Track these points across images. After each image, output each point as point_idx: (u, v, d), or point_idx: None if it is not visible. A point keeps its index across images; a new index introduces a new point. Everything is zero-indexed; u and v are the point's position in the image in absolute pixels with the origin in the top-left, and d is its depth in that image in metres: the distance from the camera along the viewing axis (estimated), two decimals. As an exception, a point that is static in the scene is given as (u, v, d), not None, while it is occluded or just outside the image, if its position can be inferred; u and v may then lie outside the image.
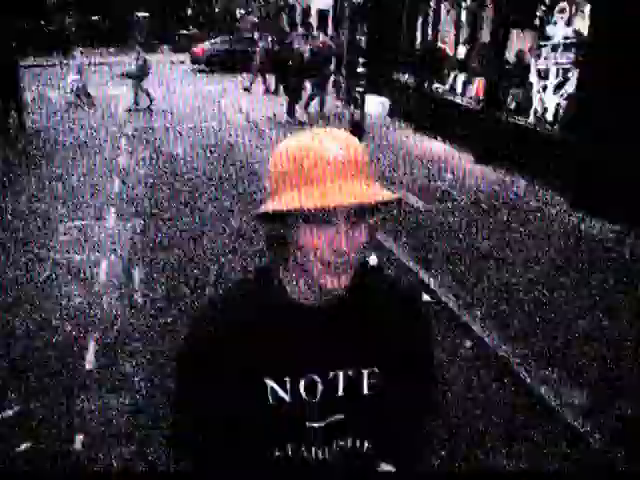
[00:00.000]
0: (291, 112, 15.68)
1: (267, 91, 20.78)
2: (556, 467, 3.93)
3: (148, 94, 17.48)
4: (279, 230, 1.37)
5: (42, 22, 37.51)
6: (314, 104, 16.07)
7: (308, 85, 16.15)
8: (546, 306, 5.79)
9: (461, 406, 4.46)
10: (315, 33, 21.65)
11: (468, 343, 5.34)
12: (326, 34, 21.25)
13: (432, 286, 6.25)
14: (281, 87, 17.49)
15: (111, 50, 36.85)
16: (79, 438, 4.10)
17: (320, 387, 1.46)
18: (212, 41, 30.84)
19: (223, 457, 1.59)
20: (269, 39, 21.81)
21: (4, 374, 4.81)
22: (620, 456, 3.90)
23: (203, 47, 29.95)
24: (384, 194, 1.27)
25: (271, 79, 20.51)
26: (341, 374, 1.46)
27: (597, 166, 8.04)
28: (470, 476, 4.00)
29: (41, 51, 31.88)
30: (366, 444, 1.52)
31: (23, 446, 4.01)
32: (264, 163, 11.08)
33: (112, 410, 4.38)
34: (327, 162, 1.25)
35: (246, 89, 21.08)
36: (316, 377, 1.45)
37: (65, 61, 15.92)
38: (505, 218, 8.18)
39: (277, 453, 1.47)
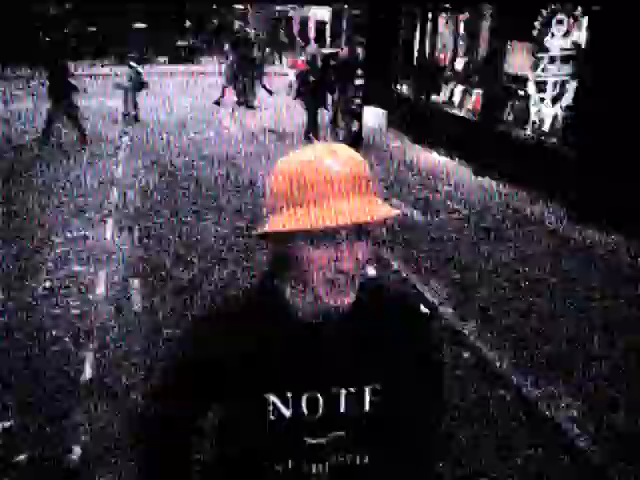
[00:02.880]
0: (309, 130, 14.48)
1: (240, 103, 20.47)
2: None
3: (136, 106, 17.42)
4: (281, 248, 1.36)
5: (41, 33, 37.54)
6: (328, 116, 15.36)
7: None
8: (547, 318, 5.78)
9: (459, 417, 4.44)
10: (312, 48, 21.57)
11: (466, 355, 5.33)
12: (324, 46, 21.17)
13: (431, 298, 6.24)
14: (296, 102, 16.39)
15: (109, 61, 36.87)
16: (76, 450, 4.08)
17: (322, 403, 1.45)
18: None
19: (221, 469, 1.59)
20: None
21: (2, 386, 4.79)
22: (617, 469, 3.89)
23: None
24: (385, 211, 1.27)
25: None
26: (343, 391, 1.45)
27: (596, 177, 8.05)
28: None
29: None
30: (366, 460, 1.51)
31: (19, 457, 3.99)
32: (264, 175, 11.11)
33: (109, 422, 4.36)
34: (327, 180, 1.24)
35: (216, 102, 20.85)
36: (318, 393, 1.44)
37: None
38: (504, 230, 8.18)
39: (277, 467, 1.47)
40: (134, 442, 1.68)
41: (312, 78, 14.55)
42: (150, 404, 1.65)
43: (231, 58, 20.89)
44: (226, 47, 21.75)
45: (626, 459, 3.99)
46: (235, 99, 20.34)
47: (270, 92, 21.57)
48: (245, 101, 20.44)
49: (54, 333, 5.57)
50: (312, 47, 21.47)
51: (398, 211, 1.29)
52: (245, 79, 20.61)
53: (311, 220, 1.22)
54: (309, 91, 14.50)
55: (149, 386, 4.44)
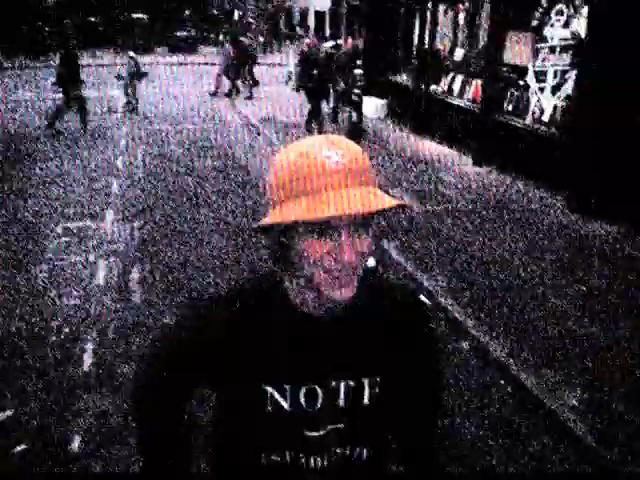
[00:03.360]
0: (311, 122, 14.15)
1: (214, 94, 20.45)
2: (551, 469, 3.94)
3: (135, 97, 17.40)
4: (282, 241, 1.34)
5: (40, 23, 37.42)
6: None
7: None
8: (544, 307, 5.79)
9: (458, 407, 4.46)
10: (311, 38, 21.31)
11: (465, 345, 5.34)
12: (324, 36, 21.03)
13: (430, 288, 6.24)
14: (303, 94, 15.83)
15: (110, 51, 36.82)
16: (76, 440, 4.09)
17: (320, 396, 1.44)
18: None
19: (220, 459, 1.59)
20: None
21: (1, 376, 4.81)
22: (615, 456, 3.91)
23: None
24: (386, 201, 1.24)
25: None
26: (342, 384, 1.45)
27: (595, 168, 8.04)
28: (467, 478, 4.00)
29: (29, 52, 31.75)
30: (365, 452, 1.51)
31: (19, 448, 4.01)
32: (261, 165, 11.12)
33: (109, 411, 4.38)
34: (327, 171, 1.22)
35: (213, 94, 20.90)
36: (317, 386, 1.44)
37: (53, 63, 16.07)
38: (503, 220, 8.18)
39: (274, 458, 1.47)
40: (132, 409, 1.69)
41: (315, 71, 14.25)
42: (141, 378, 1.65)
43: (227, 48, 20.87)
44: (220, 37, 21.67)
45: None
46: (231, 89, 20.35)
47: (257, 82, 21.51)
48: (237, 90, 20.42)
49: (53, 323, 5.59)
50: (311, 37, 21.31)
51: (397, 202, 1.26)
52: (241, 70, 20.58)
53: (309, 212, 1.20)
54: (313, 82, 14.19)
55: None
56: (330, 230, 1.24)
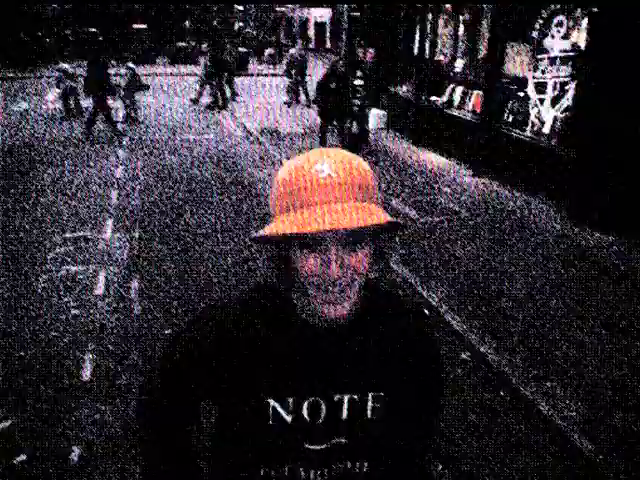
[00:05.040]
0: (324, 140, 13.30)
1: (212, 106, 20.49)
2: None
3: (134, 107, 17.44)
4: (280, 254, 1.33)
5: (40, 34, 37.50)
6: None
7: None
8: (543, 319, 5.78)
9: (458, 418, 4.45)
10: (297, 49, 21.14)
11: (466, 356, 5.33)
12: (325, 46, 20.96)
13: (430, 300, 6.23)
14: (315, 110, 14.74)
15: (110, 62, 36.86)
16: (76, 450, 4.08)
17: (324, 410, 1.42)
18: None
19: (218, 471, 1.58)
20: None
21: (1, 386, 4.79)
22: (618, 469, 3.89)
23: None
24: (376, 217, 1.20)
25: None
26: (346, 398, 1.43)
27: (595, 179, 8.06)
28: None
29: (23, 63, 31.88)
30: (366, 466, 1.49)
31: (19, 458, 3.99)
32: (261, 176, 11.12)
33: (108, 421, 4.36)
34: (318, 185, 1.20)
35: (194, 101, 21.13)
36: (320, 400, 1.42)
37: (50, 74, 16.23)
38: (503, 231, 8.18)
39: (273, 472, 1.45)
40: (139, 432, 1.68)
41: (333, 84, 13.16)
42: (145, 400, 1.64)
43: (205, 60, 20.94)
44: (203, 47, 21.66)
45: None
46: (218, 100, 20.37)
47: (235, 94, 21.52)
48: (216, 100, 20.47)
49: (53, 333, 5.57)
50: (296, 47, 21.20)
51: (389, 219, 1.22)
52: (214, 80, 20.60)
53: (296, 226, 1.17)
54: (330, 96, 13.13)
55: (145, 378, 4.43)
56: (319, 245, 1.22)
